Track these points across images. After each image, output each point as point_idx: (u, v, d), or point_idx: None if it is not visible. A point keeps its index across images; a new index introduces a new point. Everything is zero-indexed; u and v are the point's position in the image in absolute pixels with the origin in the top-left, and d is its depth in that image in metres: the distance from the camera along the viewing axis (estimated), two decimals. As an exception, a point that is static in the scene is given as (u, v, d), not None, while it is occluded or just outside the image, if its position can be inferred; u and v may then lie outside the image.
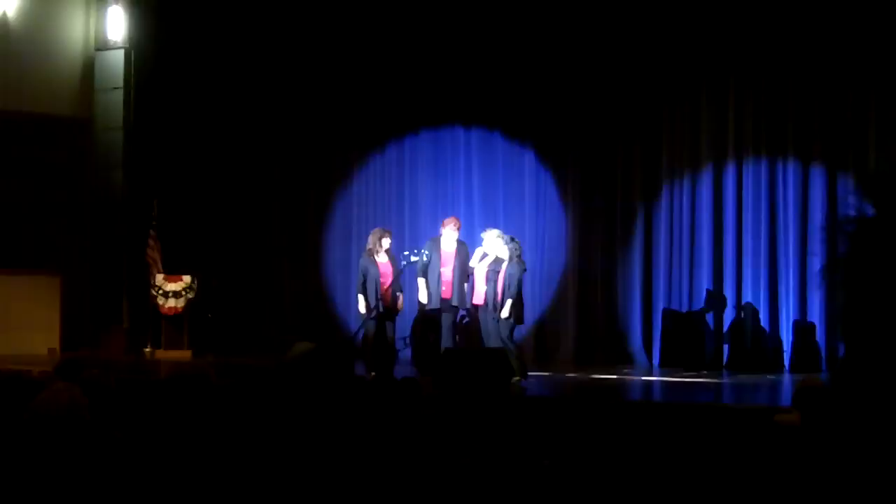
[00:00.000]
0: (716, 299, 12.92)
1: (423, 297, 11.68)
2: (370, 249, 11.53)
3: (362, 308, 11.38)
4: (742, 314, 12.78)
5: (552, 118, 13.67)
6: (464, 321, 11.86)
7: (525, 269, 11.07)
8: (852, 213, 2.41)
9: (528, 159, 13.87)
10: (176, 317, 13.59)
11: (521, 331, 11.49)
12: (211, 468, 3.25)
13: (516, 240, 11.12)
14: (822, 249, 12.23)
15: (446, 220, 11.78)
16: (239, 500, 3.18)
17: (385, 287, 11.36)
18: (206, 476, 3.23)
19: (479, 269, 11.25)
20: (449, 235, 11.62)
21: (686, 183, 13.17)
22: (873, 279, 2.33)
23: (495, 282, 10.93)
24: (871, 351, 2.32)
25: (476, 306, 11.35)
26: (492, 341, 10.87)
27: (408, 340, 12.74)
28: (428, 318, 11.78)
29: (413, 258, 11.39)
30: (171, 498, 3.09)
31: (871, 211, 2.43)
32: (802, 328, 12.48)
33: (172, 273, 13.68)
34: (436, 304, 11.54)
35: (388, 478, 3.57)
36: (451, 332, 11.53)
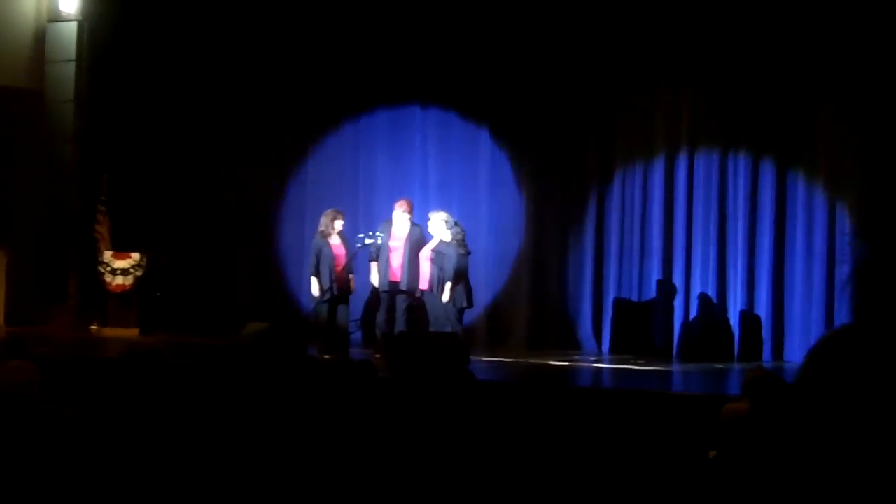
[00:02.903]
0: (665, 288, 13.04)
1: (374, 279, 11.70)
2: (322, 231, 11.50)
3: (315, 291, 11.37)
4: (691, 303, 12.91)
5: (509, 100, 13.65)
6: (412, 305, 11.82)
7: (468, 254, 11.12)
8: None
9: (484, 142, 13.85)
10: (124, 294, 13.45)
11: (474, 314, 11.52)
12: (166, 448, 3.24)
13: (459, 224, 11.17)
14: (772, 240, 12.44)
15: (397, 203, 11.79)
16: (195, 480, 3.17)
17: (339, 269, 11.33)
18: (161, 456, 3.21)
19: (423, 252, 11.28)
20: (400, 218, 11.61)
21: (638, 173, 13.25)
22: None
23: (441, 266, 10.98)
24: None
25: (422, 291, 11.37)
26: (440, 325, 10.92)
27: (359, 323, 12.73)
28: (380, 301, 11.78)
29: (367, 240, 11.37)
30: (128, 478, 3.07)
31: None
32: (750, 318, 12.63)
33: (121, 250, 13.53)
34: (386, 287, 11.56)
35: (344, 460, 3.56)
36: (404, 315, 11.53)
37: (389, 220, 11.75)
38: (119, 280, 13.41)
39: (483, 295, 12.75)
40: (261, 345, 4.16)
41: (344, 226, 11.64)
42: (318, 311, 11.39)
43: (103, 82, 14.10)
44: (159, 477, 3.12)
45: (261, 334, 4.27)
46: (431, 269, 11.15)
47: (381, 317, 11.73)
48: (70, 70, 13.93)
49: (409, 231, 11.59)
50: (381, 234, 11.48)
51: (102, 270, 13.42)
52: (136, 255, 13.48)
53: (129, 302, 13.48)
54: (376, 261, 11.61)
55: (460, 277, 10.90)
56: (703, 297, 12.84)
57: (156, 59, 14.38)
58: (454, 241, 10.94)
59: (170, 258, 13.96)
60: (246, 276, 14.57)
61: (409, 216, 11.65)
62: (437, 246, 11.13)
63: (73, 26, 13.94)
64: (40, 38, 14.10)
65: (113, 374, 3.42)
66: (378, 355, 11.14)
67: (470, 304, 11.16)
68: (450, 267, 10.81)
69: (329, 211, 11.70)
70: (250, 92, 14.49)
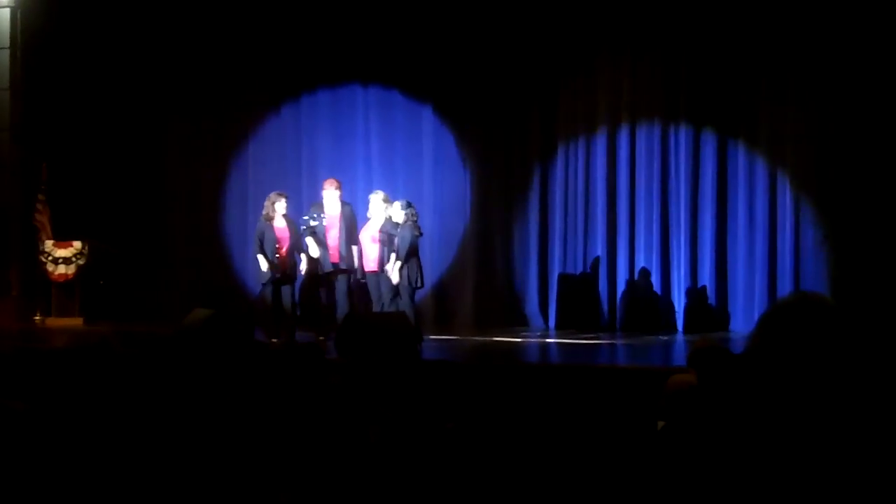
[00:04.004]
0: (610, 262, 13.13)
1: (305, 262, 11.57)
2: (266, 214, 11.44)
3: (263, 266, 11.28)
4: (635, 277, 13.02)
5: (451, 77, 13.63)
6: (352, 284, 11.75)
7: (420, 235, 11.12)
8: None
9: (427, 121, 13.83)
10: (66, 283, 13.30)
11: (420, 293, 11.52)
12: (116, 439, 3.22)
13: (413, 205, 11.14)
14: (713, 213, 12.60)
15: (325, 182, 11.71)
16: (144, 469, 3.15)
17: (282, 252, 11.27)
18: (112, 447, 3.19)
19: (366, 233, 11.23)
20: (330, 196, 11.51)
21: (581, 148, 13.32)
22: None
23: (391, 246, 10.95)
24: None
25: (369, 272, 11.29)
26: (386, 305, 10.91)
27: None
28: (318, 282, 11.68)
29: (312, 222, 11.32)
30: (79, 469, 3.05)
31: None
32: (693, 290, 12.77)
33: (62, 239, 13.37)
34: (326, 268, 11.47)
35: (295, 445, 3.56)
36: (345, 296, 11.46)
37: (319, 202, 11.64)
38: (61, 269, 13.25)
39: (429, 274, 12.76)
40: (207, 331, 4.14)
41: (288, 208, 11.56)
42: (263, 295, 11.33)
43: (39, 70, 13.87)
44: (109, 467, 3.11)
45: (206, 320, 4.25)
46: (380, 249, 11.09)
47: (323, 299, 11.66)
48: (5, 58, 13.68)
49: (342, 210, 11.51)
50: (324, 216, 11.42)
51: (44, 260, 13.25)
52: (77, 244, 13.32)
53: (72, 291, 13.34)
54: (313, 243, 11.51)
55: (413, 257, 10.89)
56: (648, 270, 12.96)
57: (92, 45, 14.18)
58: (409, 223, 10.90)
59: (112, 246, 13.81)
60: (190, 262, 14.45)
61: (338, 193, 11.57)
62: (384, 226, 11.08)
63: (7, 13, 13.68)
64: (-27, 26, 13.83)
65: (60, 365, 3.39)
66: (321, 338, 11.10)
67: (421, 284, 11.16)
68: (404, 247, 10.78)
69: (271, 194, 11.65)
70: (189, 76, 14.35)
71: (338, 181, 11.75)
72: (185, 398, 3.61)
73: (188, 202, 14.53)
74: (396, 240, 10.85)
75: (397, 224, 10.96)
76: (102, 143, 14.37)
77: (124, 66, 14.30)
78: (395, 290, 10.93)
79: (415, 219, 11.00)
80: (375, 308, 11.12)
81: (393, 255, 10.90)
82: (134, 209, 14.50)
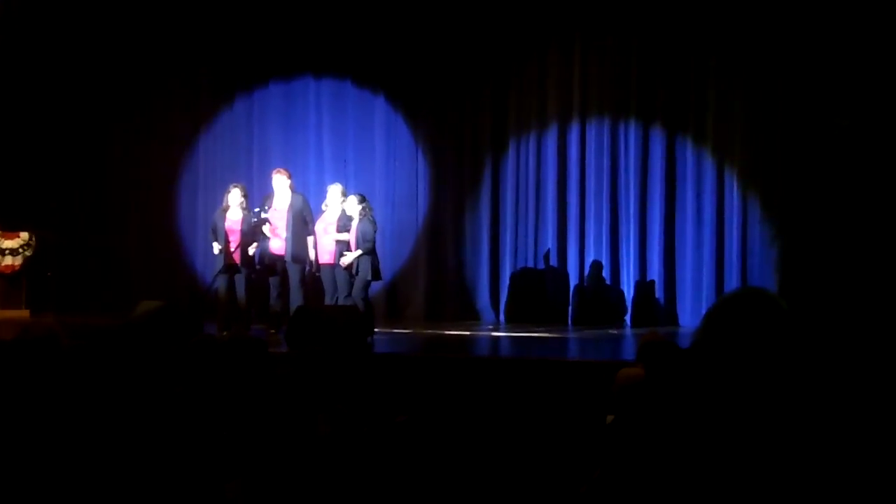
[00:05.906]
0: (560, 256, 13.19)
1: (262, 253, 11.46)
2: (223, 207, 11.31)
3: (216, 250, 11.16)
4: (585, 271, 13.09)
5: (403, 69, 13.61)
6: (305, 278, 11.65)
7: (376, 229, 11.08)
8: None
9: (379, 113, 13.80)
10: (13, 275, 13.14)
11: (374, 287, 11.46)
12: (62, 431, 3.19)
13: (367, 199, 11.10)
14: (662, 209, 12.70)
15: (274, 172, 11.51)
16: (92, 467, 3.13)
17: (233, 243, 11.15)
18: (58, 439, 3.17)
19: (321, 225, 11.15)
20: (280, 186, 11.33)
21: (532, 142, 13.36)
22: None
23: (347, 239, 10.90)
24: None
25: (324, 264, 11.20)
26: (341, 298, 10.86)
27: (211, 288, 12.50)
28: (269, 274, 11.56)
29: (263, 214, 11.21)
30: (26, 461, 3.03)
31: None
32: (642, 285, 12.87)
33: (9, 229, 13.21)
34: (271, 260, 11.33)
35: (241, 437, 3.55)
36: (299, 289, 11.34)
37: (271, 194, 11.50)
38: (7, 260, 13.10)
39: (382, 267, 12.73)
40: (154, 324, 4.12)
41: (244, 199, 11.36)
42: (216, 286, 11.21)
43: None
44: (55, 458, 3.08)
45: (154, 313, 4.22)
46: (337, 243, 10.98)
47: (273, 291, 11.54)
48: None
49: (291, 201, 11.34)
50: (268, 207, 11.28)
51: (-10, 251, 13.09)
52: (24, 235, 13.17)
53: (18, 282, 13.17)
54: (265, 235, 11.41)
55: (370, 251, 10.84)
56: (597, 265, 13.03)
57: (38, 31, 13.98)
58: (367, 218, 10.85)
59: (59, 236, 13.65)
60: (139, 253, 14.31)
61: (288, 182, 11.40)
62: (340, 219, 11.01)
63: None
64: None
65: (7, 357, 3.35)
66: (272, 331, 11.03)
67: (378, 277, 11.09)
68: (367, 241, 10.74)
69: (228, 186, 11.51)
70: (140, 65, 14.19)
71: (284, 170, 11.53)
72: (132, 390, 3.59)
73: (138, 193, 14.37)
74: (356, 233, 10.78)
75: (351, 217, 10.91)
76: (50, 133, 14.18)
77: (72, 52, 14.11)
78: (352, 282, 10.87)
79: (371, 212, 10.97)
80: (329, 301, 11.04)
81: (353, 247, 10.80)
82: (82, 199, 14.33)
